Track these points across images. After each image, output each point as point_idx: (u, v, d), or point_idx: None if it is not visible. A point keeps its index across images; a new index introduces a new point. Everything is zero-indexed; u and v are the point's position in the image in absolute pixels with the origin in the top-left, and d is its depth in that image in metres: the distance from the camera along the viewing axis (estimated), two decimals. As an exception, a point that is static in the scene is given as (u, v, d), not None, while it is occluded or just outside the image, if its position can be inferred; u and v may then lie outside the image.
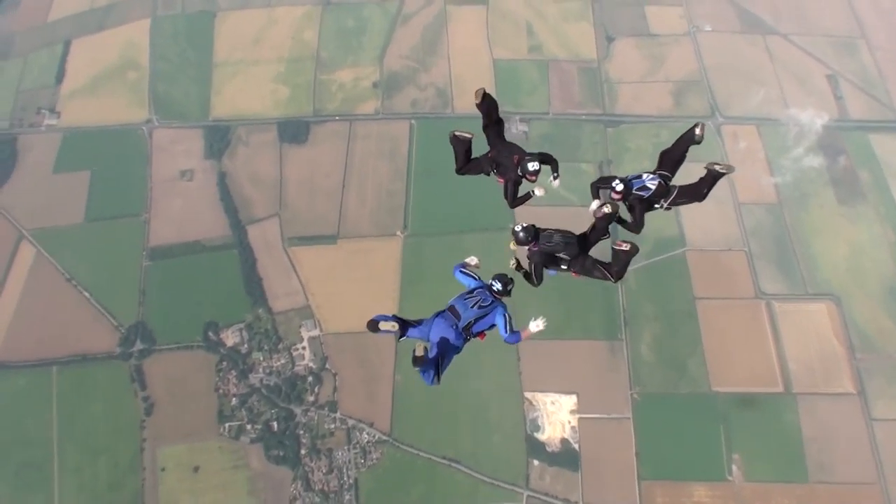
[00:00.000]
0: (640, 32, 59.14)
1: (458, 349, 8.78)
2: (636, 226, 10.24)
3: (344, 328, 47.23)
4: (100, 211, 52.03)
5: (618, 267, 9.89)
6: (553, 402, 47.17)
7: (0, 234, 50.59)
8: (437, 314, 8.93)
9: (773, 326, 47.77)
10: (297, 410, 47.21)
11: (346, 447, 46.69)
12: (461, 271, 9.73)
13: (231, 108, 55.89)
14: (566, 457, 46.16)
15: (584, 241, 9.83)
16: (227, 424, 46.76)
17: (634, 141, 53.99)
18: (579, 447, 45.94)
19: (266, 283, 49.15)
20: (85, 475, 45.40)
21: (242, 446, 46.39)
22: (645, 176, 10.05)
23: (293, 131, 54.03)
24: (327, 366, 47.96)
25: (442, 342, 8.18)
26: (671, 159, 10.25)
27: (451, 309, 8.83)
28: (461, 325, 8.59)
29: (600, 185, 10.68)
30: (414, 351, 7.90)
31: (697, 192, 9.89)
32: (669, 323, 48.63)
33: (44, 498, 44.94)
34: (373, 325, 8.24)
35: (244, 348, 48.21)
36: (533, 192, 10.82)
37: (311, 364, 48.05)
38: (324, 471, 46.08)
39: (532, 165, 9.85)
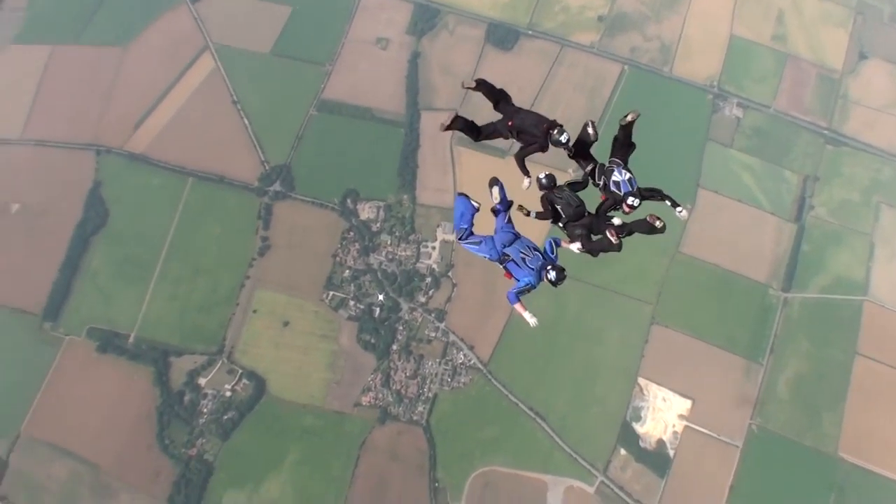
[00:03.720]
0: (897, 60, 72.03)
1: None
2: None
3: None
4: (288, 48, 71.01)
5: (627, 232, 13.15)
6: (665, 399, 59.47)
7: (187, 38, 71.37)
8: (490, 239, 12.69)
9: (936, 418, 57.39)
10: (405, 305, 62.67)
11: (438, 360, 61.57)
12: (517, 295, 12.66)
13: None
14: (657, 459, 58.39)
15: (585, 215, 13.30)
16: (331, 293, 63.04)
17: (851, 168, 66.36)
18: (674, 455, 58.20)
19: (420, 172, 65.81)
20: (181, 288, 63.28)
21: (338, 319, 62.67)
22: (621, 176, 13.51)
23: (502, 36, 71.04)
24: (450, 274, 63.42)
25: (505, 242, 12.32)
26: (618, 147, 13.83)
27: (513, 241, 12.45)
28: (499, 253, 12.35)
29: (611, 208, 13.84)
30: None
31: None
32: (819, 367, 59.47)
33: (135, 294, 63.26)
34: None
35: (376, 226, 64.61)
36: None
37: (434, 266, 63.67)
38: (408, 373, 61.12)
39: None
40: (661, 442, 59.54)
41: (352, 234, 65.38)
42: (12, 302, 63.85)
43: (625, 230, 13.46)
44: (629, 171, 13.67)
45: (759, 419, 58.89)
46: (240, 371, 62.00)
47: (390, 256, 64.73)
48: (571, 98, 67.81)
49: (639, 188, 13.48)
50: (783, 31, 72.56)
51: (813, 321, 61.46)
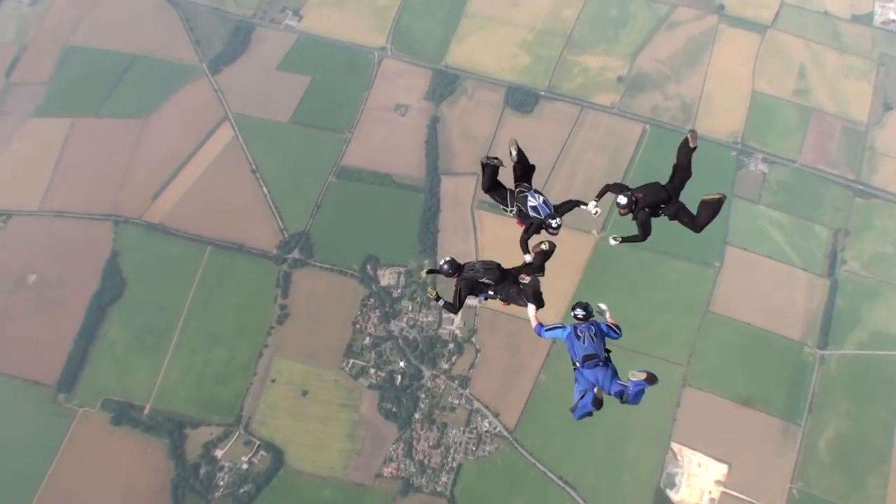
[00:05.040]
0: (924, 111, 74.99)
1: (615, 370, 14.16)
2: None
3: (509, 309, 71.28)
4: (307, 117, 78.64)
5: (703, 218, 14.82)
6: (700, 465, 62.71)
7: (207, 109, 79.19)
8: (580, 373, 14.15)
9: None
10: (427, 373, 67.13)
11: (462, 428, 65.35)
12: (546, 330, 14.67)
13: (467, 59, 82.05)
14: None
15: (506, 272, 15.12)
16: (351, 361, 67.73)
17: (882, 220, 71.07)
18: None
19: (441, 237, 71.91)
20: (198, 358, 68.36)
21: (359, 388, 67.13)
22: (534, 199, 15.37)
23: (521, 99, 78.17)
24: (473, 339, 67.91)
25: (611, 380, 13.96)
26: (521, 172, 15.70)
27: (587, 357, 13.92)
28: (602, 358, 13.92)
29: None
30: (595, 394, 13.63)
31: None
32: (861, 427, 62.49)
33: (152, 364, 68.37)
34: (599, 405, 13.74)
35: (396, 293, 69.88)
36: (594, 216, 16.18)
37: (457, 331, 68.24)
38: (431, 443, 64.99)
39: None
40: (697, 510, 59.92)
41: (372, 300, 70.82)
42: (27, 373, 69.33)
43: (544, 260, 15.17)
44: (541, 193, 15.41)
45: (799, 483, 61.94)
46: (257, 442, 66.58)
47: (411, 323, 69.91)
48: (593, 159, 74.91)
49: (555, 206, 15.26)
50: (805, 85, 79.00)
51: (852, 379, 65.07)
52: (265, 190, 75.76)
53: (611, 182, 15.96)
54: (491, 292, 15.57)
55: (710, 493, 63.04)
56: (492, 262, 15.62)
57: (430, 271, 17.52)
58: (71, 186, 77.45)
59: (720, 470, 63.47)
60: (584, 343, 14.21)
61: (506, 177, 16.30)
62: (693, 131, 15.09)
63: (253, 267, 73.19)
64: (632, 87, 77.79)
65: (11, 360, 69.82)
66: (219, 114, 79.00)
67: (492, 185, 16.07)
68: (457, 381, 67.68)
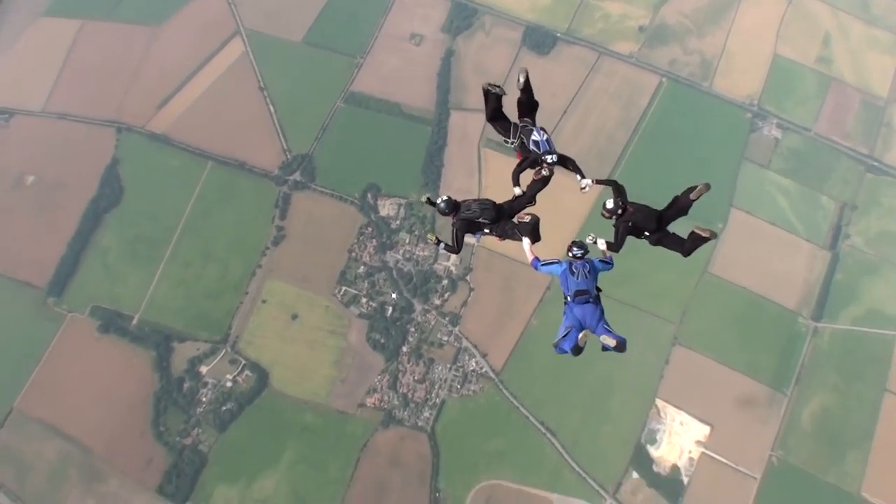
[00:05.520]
0: (947, 90, 74.31)
1: (603, 311, 14.63)
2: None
3: (503, 248, 69.30)
4: (320, 38, 77.78)
5: (690, 246, 15.30)
6: (682, 424, 63.21)
7: (218, 22, 78.09)
8: (569, 307, 14.50)
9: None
10: (418, 307, 67.39)
11: (448, 365, 65.83)
12: (542, 264, 15.04)
13: None
14: (670, 485, 61.96)
15: (502, 209, 15.25)
16: (343, 288, 67.98)
17: (891, 198, 70.92)
18: (689, 482, 61.87)
19: (445, 171, 71.47)
20: (190, 272, 68.71)
21: (349, 316, 67.41)
22: (538, 135, 15.51)
23: (538, 39, 77.24)
24: (468, 277, 67.99)
25: (598, 320, 14.26)
26: (524, 107, 15.94)
27: (578, 293, 14.34)
28: (592, 296, 14.27)
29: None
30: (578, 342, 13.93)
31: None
32: (846, 402, 62.85)
33: (143, 275, 68.82)
34: (578, 351, 14.13)
35: (395, 224, 69.84)
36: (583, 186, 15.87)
37: (452, 268, 68.44)
38: (416, 377, 65.54)
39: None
40: (675, 468, 63.41)
41: (370, 229, 70.78)
42: (18, 274, 69.65)
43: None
44: (545, 130, 15.55)
45: (780, 451, 62.64)
46: (243, 362, 67.10)
47: (407, 255, 70.05)
48: (606, 107, 74.06)
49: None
50: (828, 53, 77.82)
51: (843, 353, 65.24)
52: (272, 109, 75.25)
53: (620, 182, 16.11)
54: (487, 230, 15.79)
55: (689, 452, 63.63)
56: (487, 200, 15.80)
57: (427, 201, 16.98)
58: (76, 89, 76.73)
59: (702, 431, 64.06)
60: (577, 279, 14.61)
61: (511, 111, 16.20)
62: (707, 184, 15.38)
63: (253, 185, 72.97)
64: (652, 38, 76.68)
65: (3, 259, 70.24)
66: (231, 28, 78.20)
67: (495, 114, 16.20)
68: (447, 318, 67.66)
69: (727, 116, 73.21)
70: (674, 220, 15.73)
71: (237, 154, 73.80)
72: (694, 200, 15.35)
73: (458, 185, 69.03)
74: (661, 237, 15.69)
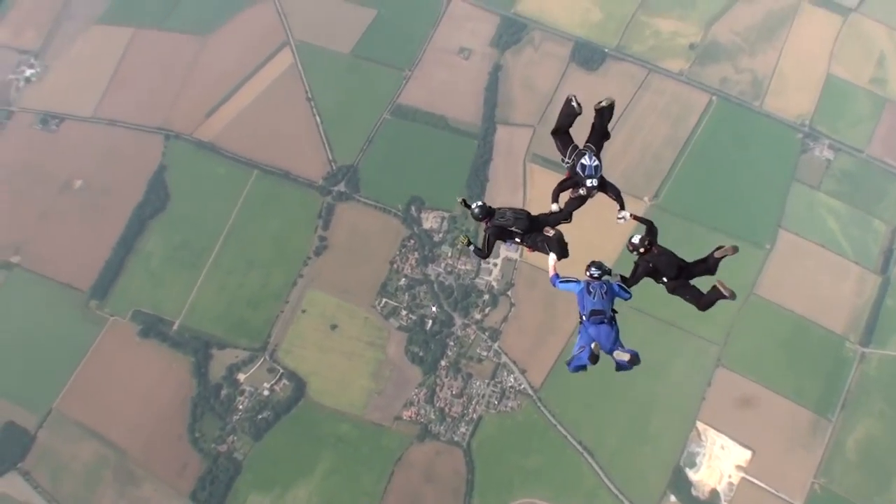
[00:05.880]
0: None
1: (618, 332, 14.52)
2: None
3: (545, 264, 70.33)
4: (368, 50, 78.34)
5: (708, 299, 15.12)
6: (723, 448, 62.05)
7: (269, 32, 79.37)
8: (585, 327, 14.51)
9: None
10: (458, 321, 67.17)
11: (487, 380, 65.44)
12: (562, 281, 15.12)
13: (538, 8, 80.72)
14: None
15: (536, 220, 15.31)
16: (384, 300, 68.08)
17: None
18: None
19: (490, 186, 71.48)
20: (232, 280, 69.38)
21: (388, 328, 67.43)
22: (588, 161, 15.27)
23: (588, 55, 76.90)
24: (510, 293, 67.70)
25: (613, 340, 14.22)
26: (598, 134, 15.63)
27: (594, 312, 14.26)
28: (608, 317, 14.23)
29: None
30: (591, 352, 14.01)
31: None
32: (893, 430, 61.57)
33: (186, 281, 69.58)
34: (585, 368, 14.39)
35: (438, 237, 69.77)
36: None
37: (494, 283, 68.10)
38: (454, 392, 65.28)
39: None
40: (714, 492, 62.20)
41: (412, 242, 70.88)
42: (62, 276, 70.68)
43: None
44: (599, 159, 15.38)
45: (822, 479, 61.19)
46: (281, 371, 67.33)
47: (449, 269, 70.00)
48: (655, 124, 73.42)
49: (602, 177, 15.22)
50: (883, 74, 75.97)
51: (891, 380, 63.72)
52: (318, 119, 75.97)
53: (655, 225, 16.00)
54: (518, 240, 15.73)
55: (729, 477, 62.48)
56: (522, 210, 15.79)
57: (463, 203, 16.87)
58: (126, 96, 78.06)
59: (743, 455, 62.84)
60: (593, 298, 14.58)
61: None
62: (735, 247, 15.56)
63: (297, 195, 73.51)
64: (703, 56, 76.08)
65: (49, 261, 71.27)
66: (280, 38, 79.36)
67: (562, 129, 16.08)
68: (487, 333, 67.28)
69: (778, 136, 72.17)
70: (698, 276, 15.48)
71: (283, 164, 74.50)
72: (719, 259, 15.22)
73: (503, 199, 68.62)
74: (679, 286, 15.40)
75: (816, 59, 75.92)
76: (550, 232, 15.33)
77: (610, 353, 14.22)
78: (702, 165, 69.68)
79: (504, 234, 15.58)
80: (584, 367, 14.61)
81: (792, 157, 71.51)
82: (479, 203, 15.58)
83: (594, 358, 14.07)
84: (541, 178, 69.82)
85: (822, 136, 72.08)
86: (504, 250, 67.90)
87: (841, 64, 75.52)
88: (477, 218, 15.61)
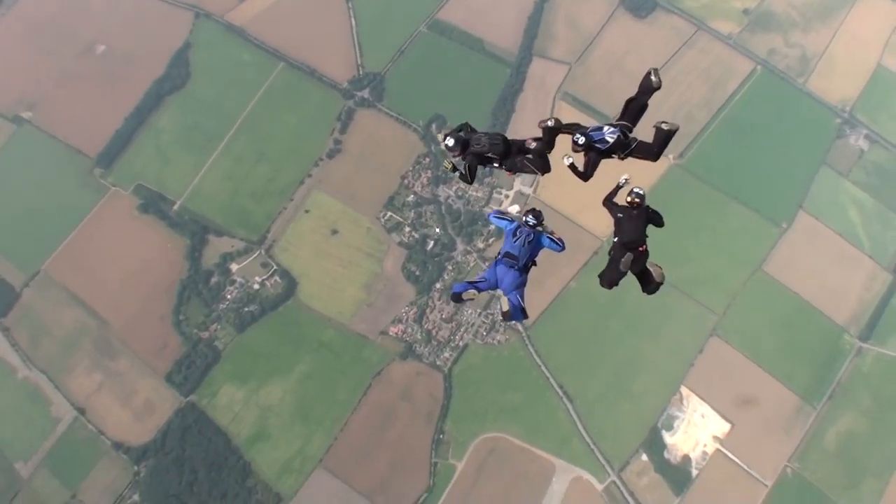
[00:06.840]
0: None
1: (524, 283, 14.68)
2: (586, 175, 15.17)
3: (560, 205, 65.09)
4: None
5: (657, 148, 15.03)
6: (703, 416, 62.11)
7: None
8: (496, 263, 14.59)
9: None
10: (460, 246, 66.99)
11: (479, 310, 65.14)
12: (497, 216, 15.27)
13: None
14: (677, 475, 61.16)
15: (511, 144, 15.28)
16: (389, 213, 67.87)
17: None
18: (697, 476, 61.00)
19: (515, 117, 70.47)
20: (239, 169, 69.10)
21: (389, 242, 67.35)
22: (606, 129, 14.92)
23: (638, 1, 74.96)
24: None
25: (513, 286, 14.33)
26: (632, 109, 15.41)
27: (508, 255, 14.37)
28: (520, 264, 14.30)
29: (564, 130, 15.48)
30: (500, 308, 14.52)
31: (650, 149, 15.04)
32: (875, 429, 61.40)
33: (193, 163, 69.55)
34: (457, 298, 14.67)
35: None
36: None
37: None
38: (444, 315, 65.23)
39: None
40: (686, 458, 62.34)
41: (427, 160, 70.05)
42: (71, 139, 70.85)
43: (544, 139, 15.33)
44: (625, 134, 15.14)
45: (796, 464, 61.24)
46: (274, 267, 67.27)
47: (460, 193, 69.13)
48: (693, 83, 71.59)
49: (609, 147, 15.07)
50: None
51: (883, 379, 63.40)
52: (353, 22, 74.92)
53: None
54: (496, 164, 15.67)
55: (704, 446, 62.55)
56: (497, 134, 15.67)
57: (446, 135, 15.87)
58: (162, -34, 73.97)
59: (722, 427, 62.81)
60: (515, 242, 14.72)
61: None
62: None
63: (319, 95, 72.50)
64: (755, 23, 74.16)
65: (60, 123, 71.22)
66: (328, -67, 76.00)
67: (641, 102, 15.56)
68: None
69: (815, 117, 70.80)
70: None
71: (310, 60, 73.50)
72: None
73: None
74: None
75: (870, 46, 73.91)
76: (532, 144, 15.17)
77: (506, 294, 14.50)
78: (733, 133, 68.46)
79: (482, 160, 15.45)
80: (458, 298, 15.03)
81: (826, 140, 70.23)
82: (453, 137, 15.11)
83: (456, 297, 14.96)
84: (569, 117, 67.55)
85: (861, 124, 70.46)
86: (518, 184, 66.67)
87: (893, 55, 73.42)
88: (451, 150, 15.27)
